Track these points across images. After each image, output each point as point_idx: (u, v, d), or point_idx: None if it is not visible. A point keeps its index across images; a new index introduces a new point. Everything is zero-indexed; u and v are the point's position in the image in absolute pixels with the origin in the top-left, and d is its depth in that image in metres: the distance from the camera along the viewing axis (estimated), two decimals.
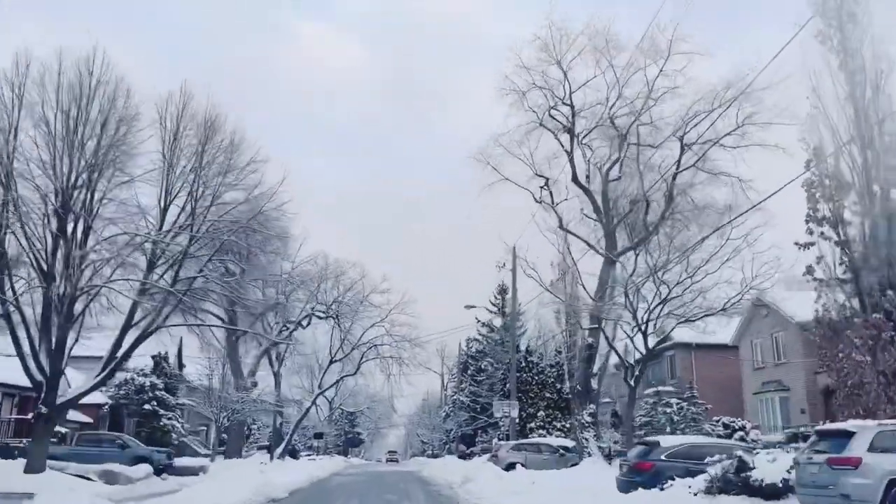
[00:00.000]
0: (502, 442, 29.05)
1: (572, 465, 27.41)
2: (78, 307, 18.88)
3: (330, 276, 47.36)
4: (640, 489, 15.01)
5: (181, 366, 52.80)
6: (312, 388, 52.02)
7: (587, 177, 29.15)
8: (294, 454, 54.38)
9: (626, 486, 15.88)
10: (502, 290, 63.08)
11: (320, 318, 46.68)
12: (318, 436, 70.15)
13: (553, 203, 32.18)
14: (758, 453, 15.00)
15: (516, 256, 35.45)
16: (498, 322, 62.63)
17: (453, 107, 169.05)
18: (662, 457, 15.78)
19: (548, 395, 36.87)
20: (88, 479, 18.00)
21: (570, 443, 29.58)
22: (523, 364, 37.10)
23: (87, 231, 18.63)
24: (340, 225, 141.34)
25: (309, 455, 67.55)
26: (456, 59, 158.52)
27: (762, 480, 13.59)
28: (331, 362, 50.42)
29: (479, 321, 62.57)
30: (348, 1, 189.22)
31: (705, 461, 15.10)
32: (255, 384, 42.66)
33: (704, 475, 14.46)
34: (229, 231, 21.66)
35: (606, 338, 23.26)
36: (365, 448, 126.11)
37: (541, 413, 35.83)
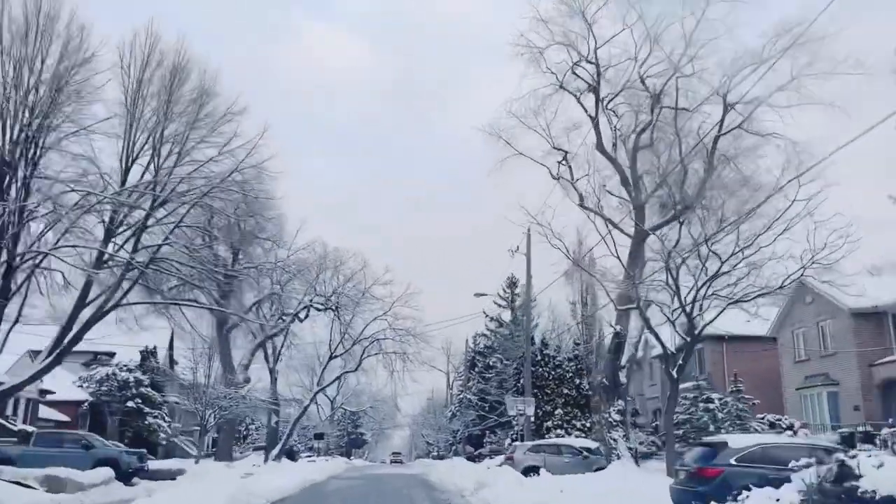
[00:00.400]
0: (518, 443, 25.88)
1: (597, 469, 24.23)
2: (19, 281, 15.83)
3: (329, 265, 44.29)
4: (706, 502, 11.81)
5: (172, 362, 49.74)
6: (311, 385, 48.86)
7: (613, 146, 26.02)
8: (292, 455, 51.27)
9: (685, 497, 12.68)
10: (511, 283, 59.88)
11: (319, 310, 43.59)
12: (319, 436, 67.05)
13: (573, 179, 29.05)
14: (855, 456, 11.74)
15: (530, 239, 32.51)
16: (507, 316, 59.40)
17: (453, 106, 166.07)
18: (732, 460, 12.55)
19: (566, 391, 33.60)
20: (27, 486, 14.90)
21: (591, 443, 26.40)
22: (538, 357, 33.87)
23: (27, 186, 15.58)
24: (341, 224, 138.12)
25: (309, 456, 64.46)
26: (457, 59, 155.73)
27: (875, 492, 10.35)
28: (330, 358, 47.32)
29: (487, 315, 59.43)
30: (348, 0, 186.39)
31: (788, 466, 11.88)
32: (247, 380, 39.57)
33: (792, 484, 11.25)
34: (202, 192, 18.48)
35: (646, 320, 19.92)
36: (369, 449, 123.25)
37: (558, 411, 32.62)
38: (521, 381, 34.52)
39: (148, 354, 41.27)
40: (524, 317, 31.51)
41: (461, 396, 67.79)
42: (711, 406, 21.68)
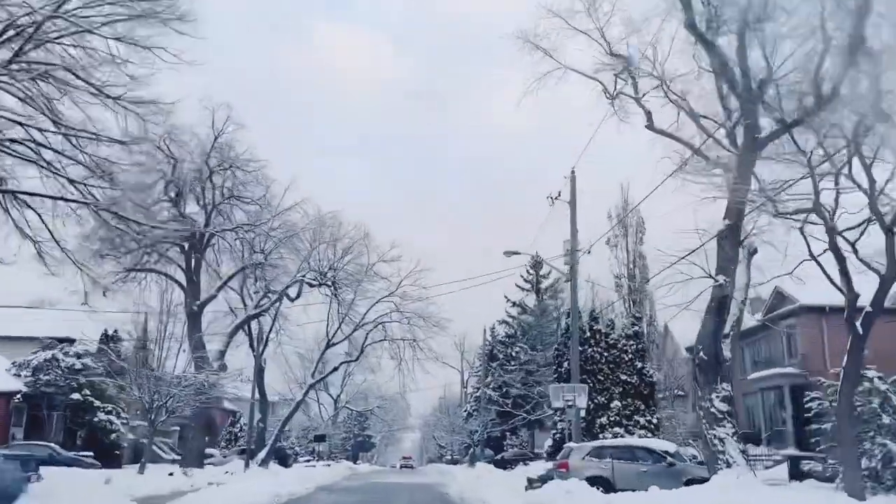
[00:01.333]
0: (572, 444, 18.54)
1: (689, 482, 17.03)
2: None
3: (326, 238, 37.03)
4: None
5: (145, 349, 42.58)
6: (305, 377, 41.55)
7: (707, 28, 18.84)
8: (285, 460, 44.10)
9: None
10: (536, 264, 52.51)
11: (312, 285, 36.44)
12: (319, 438, 59.89)
13: (637, 94, 21.83)
14: None
15: (575, 182, 25.40)
16: (531, 301, 52.06)
17: (466, 107, 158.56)
18: None
19: (623, 377, 26.29)
20: None
21: (668, 445, 19.15)
22: (587, 334, 26.53)
23: None
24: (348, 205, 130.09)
25: (308, 461, 57.34)
26: (474, 58, 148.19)
27: None
28: (328, 345, 40.16)
29: (508, 300, 52.18)
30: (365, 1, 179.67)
31: None
32: (223, 367, 32.50)
33: None
34: None
35: (837, 238, 12.45)
36: (378, 453, 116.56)
37: (615, 403, 25.35)
38: (560, 368, 27.33)
39: (108, 339, 34.21)
40: (568, 280, 24.21)
41: (478, 394, 60.54)
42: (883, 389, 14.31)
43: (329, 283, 36.63)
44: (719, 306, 16.84)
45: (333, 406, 76.85)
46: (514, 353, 49.65)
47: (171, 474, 24.37)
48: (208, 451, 49.53)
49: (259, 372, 39.30)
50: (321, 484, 26.89)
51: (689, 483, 17.16)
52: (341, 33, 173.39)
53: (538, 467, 23.12)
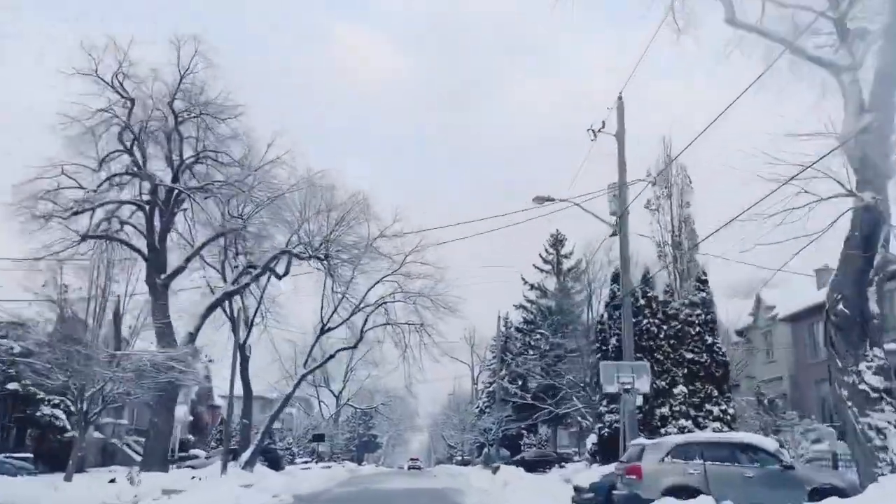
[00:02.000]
0: (646, 441, 13.17)
1: (815, 493, 11.87)
2: None
3: (318, 205, 31.71)
4: None
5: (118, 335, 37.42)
6: (298, 370, 36.29)
7: None
8: (276, 461, 38.97)
9: None
10: (556, 242, 47.29)
11: (301, 258, 31.23)
12: (318, 438, 54.65)
13: None
14: None
15: (623, 109, 20.22)
16: (552, 284, 46.70)
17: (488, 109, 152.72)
18: None
19: (689, 355, 20.85)
20: None
21: (770, 442, 13.85)
22: (640, 302, 20.98)
23: None
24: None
25: (306, 463, 52.21)
26: (494, 60, 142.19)
27: None
28: (323, 330, 34.98)
29: (526, 283, 46.82)
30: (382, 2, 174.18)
31: None
32: (195, 351, 27.33)
33: None
34: None
35: None
36: (385, 454, 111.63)
37: (679, 388, 19.94)
38: (604, 347, 22.00)
39: (64, 319, 29.03)
40: (616, 234, 18.96)
41: (491, 388, 55.28)
42: None
43: (322, 255, 31.38)
44: (867, 237, 11.50)
45: (335, 403, 71.68)
46: (533, 342, 44.37)
47: (112, 481, 19.23)
48: (194, 451, 44.56)
49: (243, 362, 34.15)
50: (304, 492, 21.76)
51: (816, 496, 11.88)
52: (353, 35, 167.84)
53: (582, 472, 17.80)
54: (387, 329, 36.32)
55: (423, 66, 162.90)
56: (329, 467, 50.35)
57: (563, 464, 35.59)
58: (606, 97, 45.04)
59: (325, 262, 31.85)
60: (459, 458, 76.01)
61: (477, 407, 60.39)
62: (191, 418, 47.07)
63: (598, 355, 21.91)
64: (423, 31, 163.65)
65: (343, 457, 70.89)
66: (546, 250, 46.74)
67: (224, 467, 27.83)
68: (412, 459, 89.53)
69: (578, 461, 38.95)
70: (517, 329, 45.66)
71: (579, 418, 37.74)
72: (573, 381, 30.64)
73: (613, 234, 19.62)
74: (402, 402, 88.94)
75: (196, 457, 40.11)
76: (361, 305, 35.49)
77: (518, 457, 39.85)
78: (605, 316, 21.98)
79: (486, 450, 51.81)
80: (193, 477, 23.84)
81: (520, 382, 42.93)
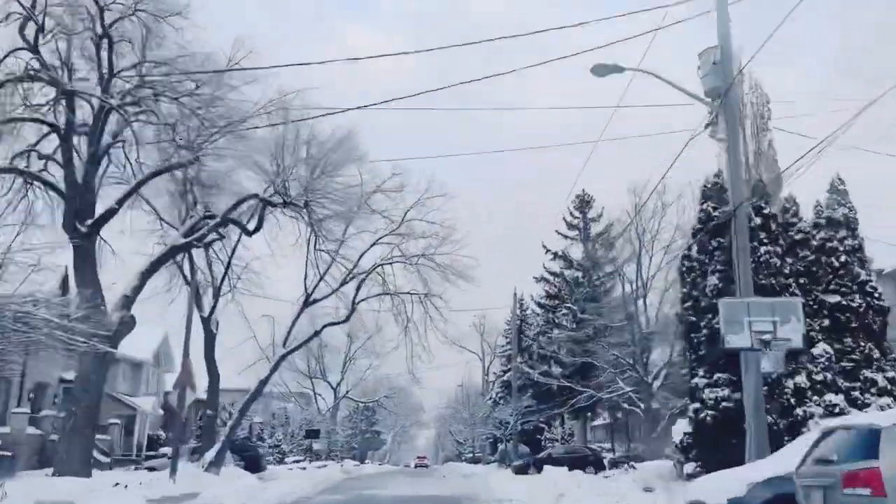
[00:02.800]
0: (873, 420, 6.72)
1: None
2: None
3: (300, 139, 25.26)
4: None
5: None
6: (274, 349, 29.77)
7: None
8: (256, 461, 32.75)
9: None
10: (583, 203, 40.79)
11: (274, 205, 24.85)
12: (312, 434, 48.25)
13: None
14: None
15: None
16: (577, 252, 40.24)
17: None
18: None
19: (832, 299, 14.16)
20: None
21: None
22: (756, 222, 14.07)
23: None
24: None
25: (298, 462, 45.97)
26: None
27: None
28: (307, 302, 28.60)
29: (548, 251, 40.28)
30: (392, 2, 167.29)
31: None
32: (126, 320, 20.90)
33: None
34: None
35: None
36: (390, 451, 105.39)
37: (821, 347, 13.27)
38: (692, 297, 15.61)
39: None
40: (714, 122, 12.47)
41: (505, 378, 48.88)
42: None
43: (300, 203, 24.97)
44: None
45: (333, 396, 65.27)
46: (557, 319, 37.98)
47: None
48: (165, 450, 38.25)
49: (209, 340, 27.91)
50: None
51: None
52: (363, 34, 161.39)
53: (692, 481, 11.35)
54: (387, 304, 30.06)
55: (429, 65, 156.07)
56: (325, 466, 44.31)
57: (597, 463, 29.38)
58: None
59: (305, 211, 25.45)
60: (470, 455, 69.76)
61: (490, 398, 53.96)
62: (161, 412, 40.74)
63: (688, 304, 15.32)
64: (428, 29, 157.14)
65: (344, 455, 64.64)
66: (571, 213, 40.25)
67: (173, 469, 21.53)
68: (419, 457, 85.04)
69: (618, 457, 32.56)
70: (539, 304, 39.19)
71: (611, 408, 31.43)
72: (618, 359, 24.27)
73: (711, 124, 13.19)
74: (405, 395, 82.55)
75: (163, 456, 34.01)
76: (354, 271, 29.24)
77: (543, 453, 33.41)
78: (693, 250, 15.45)
79: (501, 446, 45.40)
80: (117, 484, 17.48)
81: (544, 367, 36.46)
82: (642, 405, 24.61)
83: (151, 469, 28.55)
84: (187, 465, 26.41)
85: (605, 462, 30.49)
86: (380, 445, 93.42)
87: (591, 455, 32.65)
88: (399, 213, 28.91)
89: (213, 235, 25.70)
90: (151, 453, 37.23)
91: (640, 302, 25.22)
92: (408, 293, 29.56)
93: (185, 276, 25.75)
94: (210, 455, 25.91)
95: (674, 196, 24.54)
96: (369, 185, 27.46)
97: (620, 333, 28.15)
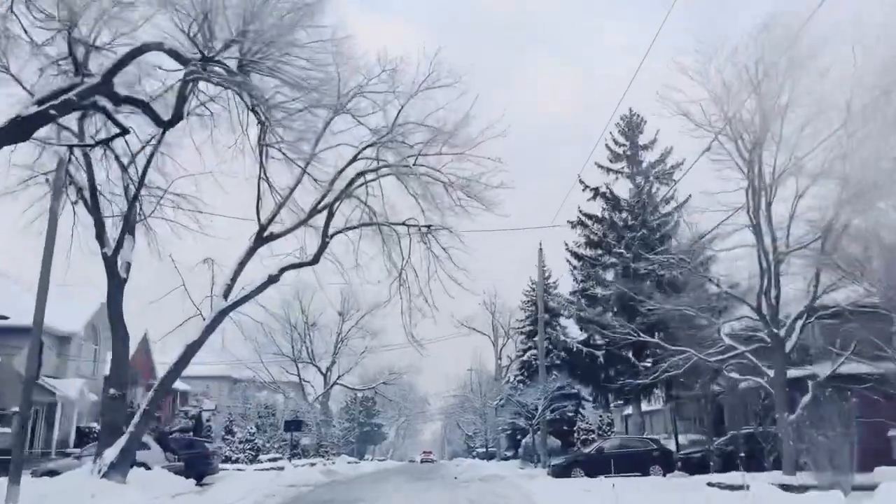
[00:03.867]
0: None
1: None
2: None
3: None
4: None
5: None
6: (212, 303, 20.58)
7: None
8: (202, 461, 24.08)
9: None
10: (631, 125, 31.64)
11: (182, 60, 15.86)
12: (293, 426, 39.46)
13: None
14: None
15: None
16: (624, 189, 31.16)
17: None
18: None
19: None
20: None
21: None
22: None
23: None
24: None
25: (275, 460, 37.29)
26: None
27: None
28: (260, 238, 19.81)
29: (585, 186, 31.15)
30: None
31: None
32: None
33: None
34: None
35: None
36: (394, 446, 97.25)
37: None
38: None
39: None
40: None
41: (525, 357, 40.08)
42: None
43: (233, 67, 16.03)
44: None
45: (323, 382, 56.65)
46: (600, 275, 29.11)
47: None
48: (71, 450, 29.62)
49: (117, 284, 19.25)
50: None
51: None
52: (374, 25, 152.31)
53: None
54: (377, 247, 21.13)
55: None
56: (313, 465, 35.93)
57: (665, 461, 20.87)
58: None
59: (243, 85, 16.51)
60: (482, 449, 61.17)
61: (507, 381, 45.14)
62: (94, 398, 32.05)
63: None
64: (443, 23, 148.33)
65: (341, 451, 56.15)
66: (614, 140, 31.14)
67: (16, 475, 12.87)
68: (425, 452, 78.82)
69: (689, 453, 23.89)
70: (574, 255, 29.91)
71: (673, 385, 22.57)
72: (690, 314, 15.35)
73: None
74: (408, 387, 73.99)
75: (67, 455, 25.52)
76: (328, 197, 20.42)
77: (591, 448, 24.52)
78: None
79: (525, 439, 36.56)
80: None
81: (589, 331, 27.58)
82: (770, 373, 15.68)
83: (51, 473, 20.32)
84: (79, 470, 18.00)
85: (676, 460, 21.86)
86: (382, 440, 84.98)
87: (657, 450, 23.86)
88: (391, 112, 20.10)
89: (107, 133, 17.09)
90: (74, 450, 28.61)
91: (762, 212, 16.23)
92: (403, 224, 20.74)
93: (64, 186, 16.95)
94: (111, 455, 17.20)
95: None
96: (350, 81, 18.76)
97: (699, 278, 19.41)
